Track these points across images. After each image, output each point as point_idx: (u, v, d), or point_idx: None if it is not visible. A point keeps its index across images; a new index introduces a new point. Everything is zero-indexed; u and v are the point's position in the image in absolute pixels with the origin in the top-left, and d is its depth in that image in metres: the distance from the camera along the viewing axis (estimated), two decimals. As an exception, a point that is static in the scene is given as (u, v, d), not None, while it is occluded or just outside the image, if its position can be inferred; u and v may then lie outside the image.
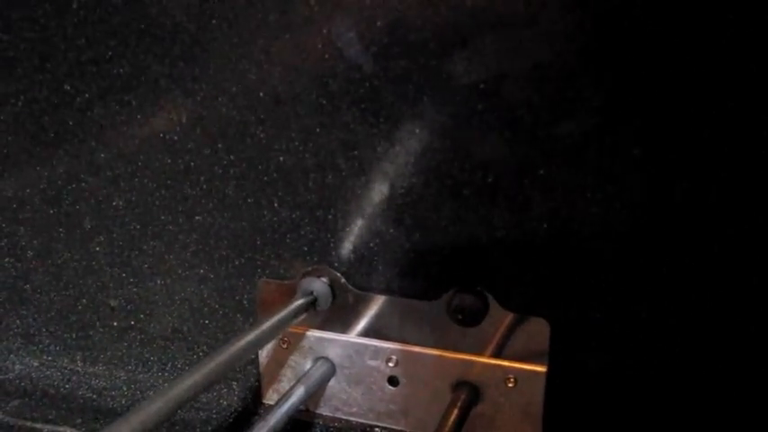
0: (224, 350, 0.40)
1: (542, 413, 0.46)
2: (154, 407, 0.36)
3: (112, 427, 0.33)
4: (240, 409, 0.54)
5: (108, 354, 0.57)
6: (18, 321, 0.60)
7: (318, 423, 0.52)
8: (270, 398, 0.52)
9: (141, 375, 0.57)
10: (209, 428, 0.53)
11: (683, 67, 0.38)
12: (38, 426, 0.56)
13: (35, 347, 0.60)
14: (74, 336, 0.58)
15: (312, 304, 0.47)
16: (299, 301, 0.46)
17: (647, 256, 0.41)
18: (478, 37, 0.41)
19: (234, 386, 0.54)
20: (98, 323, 0.57)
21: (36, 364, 0.60)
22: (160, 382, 0.56)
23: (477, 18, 0.40)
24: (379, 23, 0.42)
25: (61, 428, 0.55)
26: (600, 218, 0.42)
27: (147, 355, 0.56)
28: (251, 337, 0.42)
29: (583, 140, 0.41)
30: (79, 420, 0.56)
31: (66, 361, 0.59)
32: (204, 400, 0.55)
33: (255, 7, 0.44)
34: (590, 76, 0.40)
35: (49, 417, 0.57)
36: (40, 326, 0.59)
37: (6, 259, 0.58)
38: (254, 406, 0.53)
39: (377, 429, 0.51)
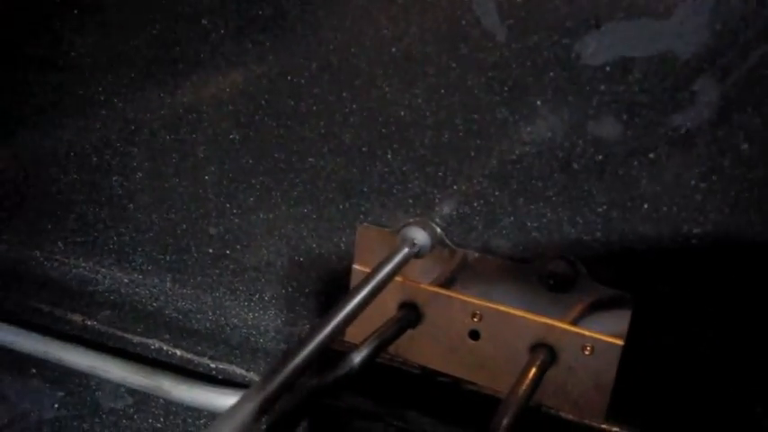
0: (348, 301, 0.44)
1: (613, 384, 0.49)
2: (291, 366, 0.40)
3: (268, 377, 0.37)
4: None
5: (198, 278, 0.61)
6: (115, 238, 0.63)
7: (397, 366, 0.55)
8: (353, 336, 0.55)
9: (228, 302, 0.60)
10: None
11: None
12: (128, 336, 0.59)
13: (127, 264, 0.64)
14: (167, 258, 0.62)
15: (413, 253, 0.50)
16: (405, 251, 0.49)
17: (743, 248, 0.44)
18: (613, 22, 0.43)
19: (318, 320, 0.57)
20: (194, 248, 0.60)
21: (126, 280, 0.64)
22: (245, 311, 0.60)
23: (614, 3, 0.43)
24: (519, -1, 0.45)
25: (150, 341, 0.58)
26: (701, 205, 0.44)
27: (236, 285, 0.60)
28: (371, 286, 0.45)
29: (695, 132, 0.44)
30: (167, 336, 0.59)
31: (156, 280, 0.63)
32: (287, 332, 0.59)
33: (401, -31, 0.48)
34: (711, 73, 0.42)
35: (138, 329, 0.60)
36: (136, 245, 0.63)
37: (115, 177, 0.61)
38: (336, 342, 0.57)
39: (452, 379, 0.54)
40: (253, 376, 0.58)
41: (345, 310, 0.44)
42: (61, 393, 0.57)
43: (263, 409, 0.35)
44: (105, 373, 0.52)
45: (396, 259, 0.49)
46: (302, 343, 0.41)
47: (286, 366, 0.39)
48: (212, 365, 0.60)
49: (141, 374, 0.53)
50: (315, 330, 0.42)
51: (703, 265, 0.46)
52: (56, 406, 0.55)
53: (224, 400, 0.49)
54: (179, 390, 0.52)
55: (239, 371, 0.60)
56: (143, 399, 0.59)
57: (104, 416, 0.60)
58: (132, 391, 0.58)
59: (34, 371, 0.60)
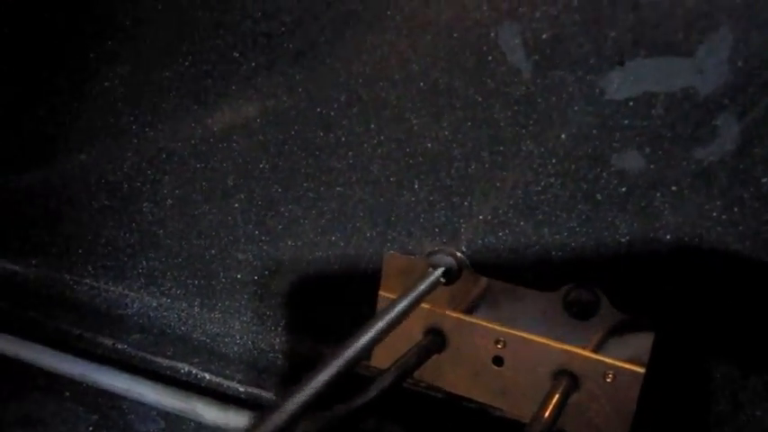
0: (376, 323, 0.45)
1: (635, 412, 0.50)
2: (311, 388, 0.40)
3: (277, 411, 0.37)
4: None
5: (226, 303, 0.62)
6: (144, 263, 0.65)
7: (422, 391, 0.56)
8: (379, 361, 0.57)
9: (255, 327, 0.62)
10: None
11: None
12: (157, 359, 0.61)
13: (156, 289, 0.65)
14: (196, 282, 0.63)
15: (441, 281, 0.51)
16: (432, 278, 0.50)
17: (763, 278, 0.45)
18: (636, 59, 0.45)
19: (345, 347, 0.59)
20: (222, 274, 0.62)
21: (155, 304, 0.65)
22: (272, 335, 0.61)
23: (638, 42, 0.45)
24: (544, 36, 0.47)
25: (180, 364, 0.60)
26: (722, 238, 0.46)
27: (263, 310, 0.61)
28: (397, 311, 0.46)
29: (716, 165, 0.45)
30: (196, 360, 0.61)
31: (184, 305, 0.64)
32: (313, 357, 0.60)
33: (430, 5, 0.49)
34: (732, 109, 0.44)
35: (167, 353, 0.61)
36: (165, 270, 0.64)
37: (145, 204, 0.63)
38: (362, 367, 0.58)
39: (476, 404, 0.55)
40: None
41: (370, 334, 0.45)
42: (95, 417, 0.58)
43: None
44: (140, 396, 0.53)
45: (422, 286, 0.50)
46: (323, 367, 0.42)
47: (303, 390, 0.39)
48: (241, 389, 0.61)
49: (175, 397, 0.54)
50: (337, 354, 0.43)
51: (724, 295, 0.47)
52: (90, 429, 0.56)
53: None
54: (212, 412, 0.53)
55: (267, 395, 0.61)
56: (175, 422, 0.60)
57: (137, 438, 0.61)
58: (164, 415, 0.59)
59: (68, 394, 0.61)
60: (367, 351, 0.44)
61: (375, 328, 0.45)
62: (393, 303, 0.47)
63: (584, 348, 0.51)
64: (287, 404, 0.36)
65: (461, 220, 0.52)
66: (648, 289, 0.48)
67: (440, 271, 0.51)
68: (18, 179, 0.68)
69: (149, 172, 0.62)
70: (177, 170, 0.61)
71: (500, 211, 0.51)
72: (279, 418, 0.35)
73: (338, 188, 0.55)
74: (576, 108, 0.47)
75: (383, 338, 0.46)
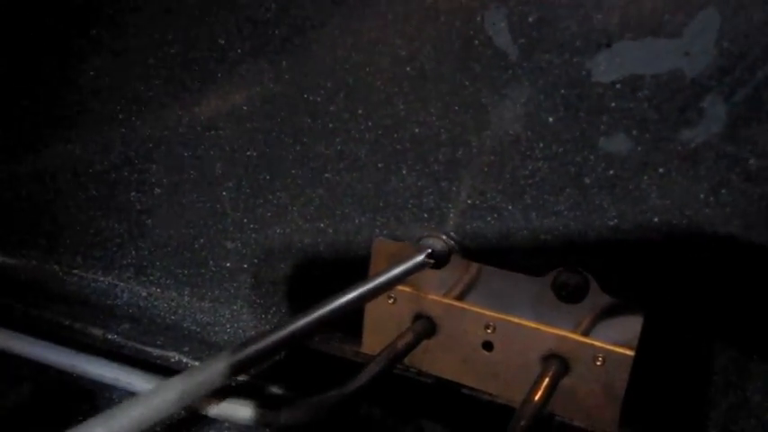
0: (342, 295, 0.45)
1: (624, 395, 0.50)
2: (269, 339, 0.41)
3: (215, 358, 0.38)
4: (339, 355, 0.58)
5: (216, 292, 0.62)
6: (133, 252, 0.65)
7: (412, 377, 0.56)
8: (369, 348, 0.57)
9: (245, 316, 0.61)
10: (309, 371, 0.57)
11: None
12: (147, 348, 0.60)
13: (146, 279, 0.65)
14: (185, 272, 0.63)
15: (429, 263, 0.51)
16: (417, 259, 0.50)
17: (751, 260, 0.45)
18: (623, 41, 0.45)
19: (336, 333, 0.59)
20: (212, 262, 0.61)
21: (144, 294, 0.65)
22: (263, 324, 0.61)
23: (625, 24, 0.44)
24: (530, 19, 0.46)
25: (170, 353, 0.60)
26: (710, 219, 0.46)
27: (253, 297, 0.61)
28: (372, 284, 0.46)
29: (703, 147, 0.45)
30: (186, 348, 0.60)
31: (174, 294, 0.64)
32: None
33: (415, -11, 0.49)
34: (719, 90, 0.43)
35: (157, 342, 0.61)
36: (155, 259, 0.64)
37: (133, 193, 0.62)
38: (353, 354, 0.58)
39: (466, 389, 0.55)
40: (273, 389, 0.59)
41: (336, 303, 0.45)
42: (85, 407, 0.58)
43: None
44: (131, 386, 0.53)
45: (406, 265, 0.50)
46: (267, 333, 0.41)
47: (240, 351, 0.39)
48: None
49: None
50: (296, 318, 0.44)
51: (712, 277, 0.47)
52: (80, 419, 0.56)
53: (246, 411, 0.50)
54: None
55: (258, 382, 0.61)
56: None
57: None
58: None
59: (58, 384, 0.61)
60: (315, 328, 0.44)
61: (347, 297, 0.46)
62: (370, 279, 0.47)
63: (573, 332, 0.51)
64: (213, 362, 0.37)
65: (450, 205, 0.52)
66: (637, 272, 0.48)
67: (424, 253, 0.51)
68: (4, 170, 0.67)
69: (136, 161, 0.62)
70: (164, 159, 0.60)
71: (488, 196, 0.50)
72: (207, 371, 0.36)
73: (326, 175, 0.55)
74: (562, 91, 0.47)
75: (353, 309, 0.47)
